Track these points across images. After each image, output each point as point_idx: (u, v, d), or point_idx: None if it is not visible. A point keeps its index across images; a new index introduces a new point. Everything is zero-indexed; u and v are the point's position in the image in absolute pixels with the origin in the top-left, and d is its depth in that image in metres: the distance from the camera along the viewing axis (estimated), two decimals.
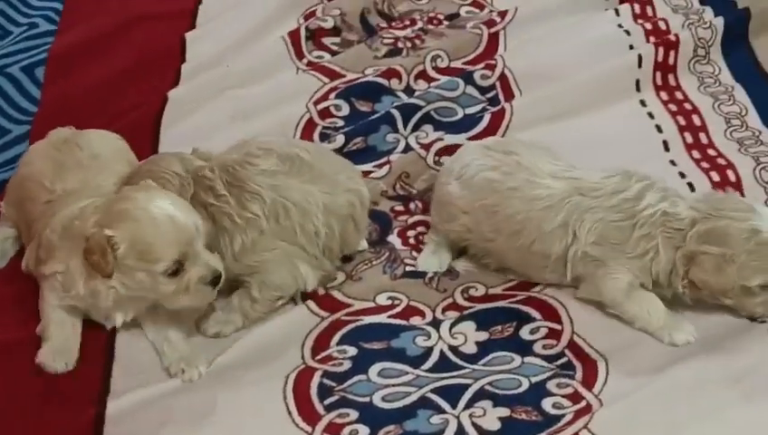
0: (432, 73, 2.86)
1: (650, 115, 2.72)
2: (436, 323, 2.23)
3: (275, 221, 2.20)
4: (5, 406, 2.07)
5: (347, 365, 2.15)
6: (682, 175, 2.52)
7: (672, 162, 2.57)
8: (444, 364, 2.15)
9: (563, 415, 2.02)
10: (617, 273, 2.16)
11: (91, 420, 2.05)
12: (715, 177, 2.51)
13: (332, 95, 2.82)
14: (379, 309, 2.27)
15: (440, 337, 2.20)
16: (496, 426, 2.02)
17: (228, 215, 2.18)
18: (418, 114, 2.72)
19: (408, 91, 2.81)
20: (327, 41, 3.00)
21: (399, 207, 2.50)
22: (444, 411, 2.05)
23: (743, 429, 1.97)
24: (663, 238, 2.12)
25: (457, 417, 2.03)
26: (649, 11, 2.99)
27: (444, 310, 2.26)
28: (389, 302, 2.28)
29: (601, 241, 2.16)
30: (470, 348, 2.18)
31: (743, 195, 2.45)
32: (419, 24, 3.04)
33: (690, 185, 2.48)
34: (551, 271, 2.24)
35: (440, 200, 2.35)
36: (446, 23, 3.04)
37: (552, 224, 2.20)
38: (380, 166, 2.60)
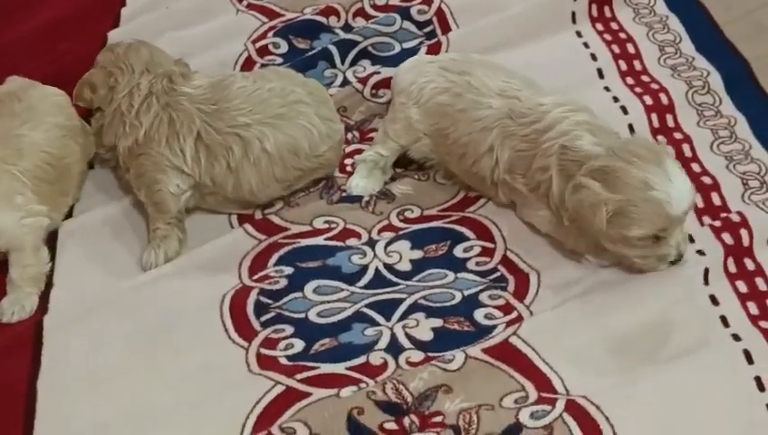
0: (370, 11, 2.86)
1: (585, 45, 2.74)
2: (371, 243, 2.26)
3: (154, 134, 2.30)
4: None
5: (283, 283, 2.18)
6: (615, 99, 2.55)
7: (606, 88, 2.60)
8: (378, 281, 2.18)
9: (495, 326, 2.06)
10: (535, 206, 2.18)
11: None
12: (648, 100, 2.53)
13: (271, 33, 2.83)
14: (316, 232, 2.29)
15: (375, 255, 2.23)
16: (429, 336, 2.05)
17: (121, 117, 2.32)
18: (356, 49, 2.73)
19: (347, 28, 2.82)
20: None
21: None
22: (378, 324, 2.08)
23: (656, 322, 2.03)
24: (557, 169, 2.10)
25: (391, 328, 2.07)
26: None
27: (379, 231, 2.29)
28: (326, 225, 2.31)
29: (511, 170, 2.19)
30: (405, 266, 2.21)
31: (676, 118, 2.50)
32: None
33: (623, 108, 2.51)
34: (491, 194, 2.27)
35: (403, 122, 2.36)
36: None
37: (484, 147, 2.23)
38: None
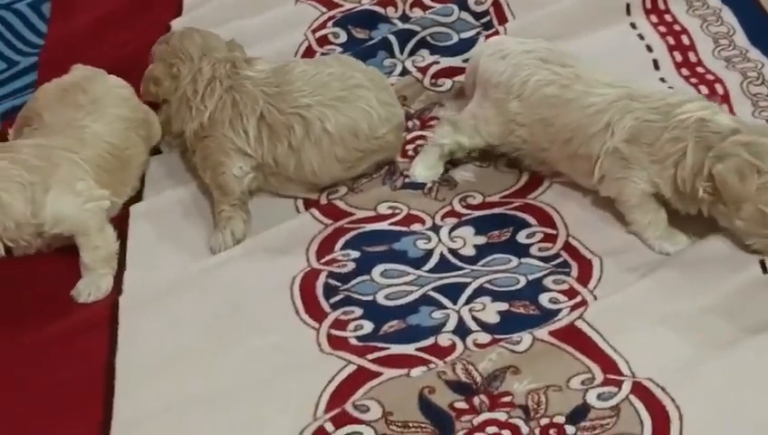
0: (427, 2, 2.90)
1: (640, 36, 2.77)
2: (435, 229, 2.29)
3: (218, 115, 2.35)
4: None
5: (350, 267, 2.21)
6: (670, 89, 2.56)
7: (662, 79, 2.63)
8: (444, 265, 2.21)
9: (560, 309, 2.09)
10: (637, 179, 2.18)
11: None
12: (704, 90, 2.56)
13: (330, 23, 2.87)
14: (380, 218, 2.33)
15: (440, 241, 2.26)
16: (496, 319, 2.09)
17: (187, 102, 2.38)
18: (414, 39, 2.77)
19: (404, 18, 2.86)
20: None
21: None
22: (445, 307, 2.12)
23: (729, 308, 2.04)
24: (694, 142, 2.10)
25: (458, 311, 2.10)
26: None
27: (443, 217, 2.32)
28: (390, 211, 2.34)
29: (633, 140, 2.18)
30: (469, 251, 2.24)
31: (731, 107, 2.52)
32: None
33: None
34: (591, 174, 2.26)
35: (499, 117, 2.36)
36: None
37: (598, 126, 2.23)
38: None
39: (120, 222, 2.34)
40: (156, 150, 2.54)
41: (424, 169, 2.41)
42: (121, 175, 2.37)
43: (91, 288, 2.22)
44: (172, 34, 2.46)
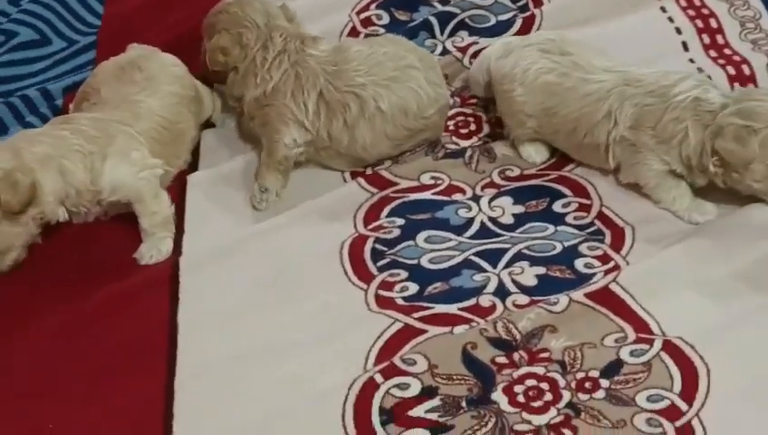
0: None
1: (670, 19, 2.81)
2: (476, 198, 2.37)
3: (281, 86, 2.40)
4: None
5: (396, 233, 2.29)
6: (700, 70, 2.62)
7: (691, 60, 2.68)
8: (484, 232, 2.28)
9: (594, 274, 2.16)
10: (650, 161, 2.25)
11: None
12: (731, 71, 2.62)
13: (373, 6, 2.93)
14: (423, 187, 2.40)
15: (480, 209, 2.34)
16: (533, 282, 2.16)
17: (253, 69, 2.41)
18: (454, 21, 2.83)
19: (444, 1, 2.91)
20: None
21: None
22: (485, 271, 2.19)
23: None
24: (692, 121, 2.19)
25: (498, 275, 2.18)
26: None
27: (483, 187, 2.40)
28: (432, 181, 2.42)
29: (636, 125, 2.25)
30: (508, 219, 2.32)
31: (756, 84, 2.58)
32: None
33: (708, 77, 2.57)
34: (604, 161, 2.33)
35: (508, 108, 2.44)
36: None
37: (600, 114, 2.30)
38: None
39: (178, 190, 2.42)
40: (209, 124, 2.61)
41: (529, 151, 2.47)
42: (173, 147, 2.45)
43: (152, 251, 2.30)
44: (230, 4, 2.46)
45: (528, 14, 2.85)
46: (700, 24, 2.79)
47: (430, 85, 2.44)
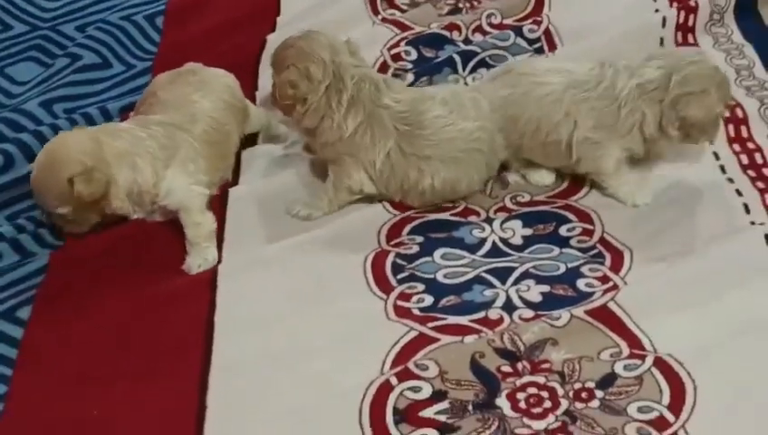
0: (487, 28, 2.94)
1: None
2: (489, 221, 2.36)
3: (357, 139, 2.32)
4: None
5: (415, 249, 2.28)
6: None
7: None
8: (495, 252, 2.27)
9: (594, 292, 2.14)
10: (612, 151, 2.31)
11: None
12: (726, 113, 2.59)
13: (403, 43, 2.92)
14: (442, 209, 2.39)
15: (492, 230, 2.33)
16: (538, 299, 2.15)
17: (328, 112, 2.31)
18: (475, 59, 2.82)
19: (467, 41, 2.90)
20: (398, 1, 3.10)
21: None
22: (495, 286, 2.18)
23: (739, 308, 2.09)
24: (646, 104, 2.27)
25: (506, 291, 2.16)
26: None
27: (495, 211, 2.38)
28: (450, 205, 2.40)
29: (599, 125, 2.30)
30: (517, 240, 2.30)
31: (749, 129, 2.56)
32: None
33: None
34: (564, 157, 2.36)
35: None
36: None
37: (559, 115, 2.33)
38: None
39: (220, 202, 2.42)
40: (252, 141, 2.60)
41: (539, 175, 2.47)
42: (221, 147, 2.44)
43: (199, 261, 2.28)
44: (297, 38, 2.33)
45: (543, 56, 2.83)
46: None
47: (487, 168, 2.38)
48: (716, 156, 2.48)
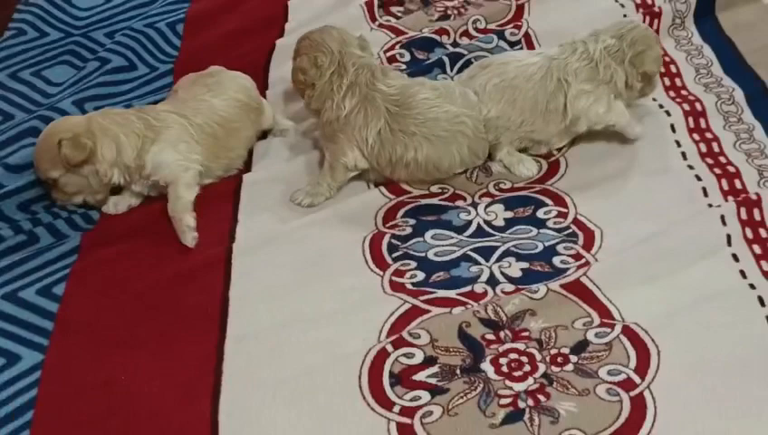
0: (473, 32, 2.92)
1: None
2: (474, 205, 2.34)
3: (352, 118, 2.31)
4: None
5: (408, 231, 2.26)
6: (660, 106, 2.59)
7: (654, 99, 2.63)
8: (480, 232, 2.26)
9: (568, 268, 2.14)
10: (600, 98, 2.38)
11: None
12: (687, 107, 2.58)
13: (397, 46, 2.90)
14: (432, 195, 2.38)
15: (477, 214, 2.31)
16: (519, 274, 2.14)
17: (330, 94, 2.32)
18: (462, 60, 2.79)
19: (455, 44, 2.88)
20: (394, 9, 3.07)
21: None
22: (479, 263, 2.17)
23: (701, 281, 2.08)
24: (614, 62, 2.38)
25: (490, 267, 2.15)
26: None
27: (480, 196, 2.37)
28: (440, 190, 2.39)
29: (590, 78, 2.38)
30: (500, 222, 2.29)
31: (707, 121, 2.55)
32: None
33: (667, 112, 2.58)
34: (562, 118, 2.38)
35: (489, 126, 2.41)
36: None
37: (552, 83, 2.37)
38: None
39: (234, 187, 2.40)
40: (265, 135, 2.58)
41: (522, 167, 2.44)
42: (225, 141, 2.40)
43: (181, 232, 2.25)
44: (312, 32, 2.37)
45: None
46: (662, 69, 2.73)
47: (470, 153, 2.35)
48: (678, 144, 2.46)
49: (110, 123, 2.31)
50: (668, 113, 2.57)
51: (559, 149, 2.48)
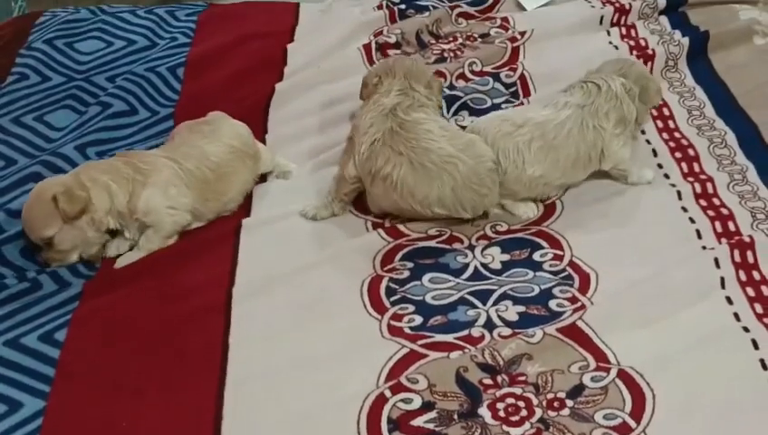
0: (469, 75, 2.94)
1: None
2: (471, 248, 2.35)
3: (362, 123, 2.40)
4: None
5: (406, 274, 2.27)
6: (654, 153, 2.62)
7: (647, 141, 2.66)
8: (477, 275, 2.26)
9: (564, 312, 2.14)
10: (626, 140, 2.45)
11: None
12: (678, 153, 2.61)
13: None
14: (430, 238, 2.38)
15: (474, 256, 2.32)
16: (515, 318, 2.14)
17: (365, 106, 2.47)
18: (458, 102, 2.81)
19: (451, 87, 2.90)
20: (391, 52, 3.08)
21: None
22: (477, 307, 2.17)
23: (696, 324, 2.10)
24: (627, 101, 2.45)
25: (487, 311, 2.16)
26: (633, 33, 3.08)
27: (477, 239, 2.37)
28: (437, 233, 2.39)
29: (618, 121, 2.44)
30: (496, 265, 2.30)
31: (701, 165, 2.57)
32: (460, 41, 3.11)
33: (654, 151, 2.61)
34: (594, 163, 2.45)
35: (518, 182, 2.42)
36: (479, 39, 3.12)
37: (590, 133, 2.42)
38: None
39: (233, 230, 2.41)
40: (264, 178, 2.60)
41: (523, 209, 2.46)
42: (217, 186, 2.42)
43: (123, 253, 2.33)
44: (392, 57, 2.65)
45: (518, 102, 2.82)
46: (654, 112, 2.76)
47: (453, 197, 2.31)
48: (672, 185, 2.49)
49: (97, 173, 2.33)
50: (655, 152, 2.61)
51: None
